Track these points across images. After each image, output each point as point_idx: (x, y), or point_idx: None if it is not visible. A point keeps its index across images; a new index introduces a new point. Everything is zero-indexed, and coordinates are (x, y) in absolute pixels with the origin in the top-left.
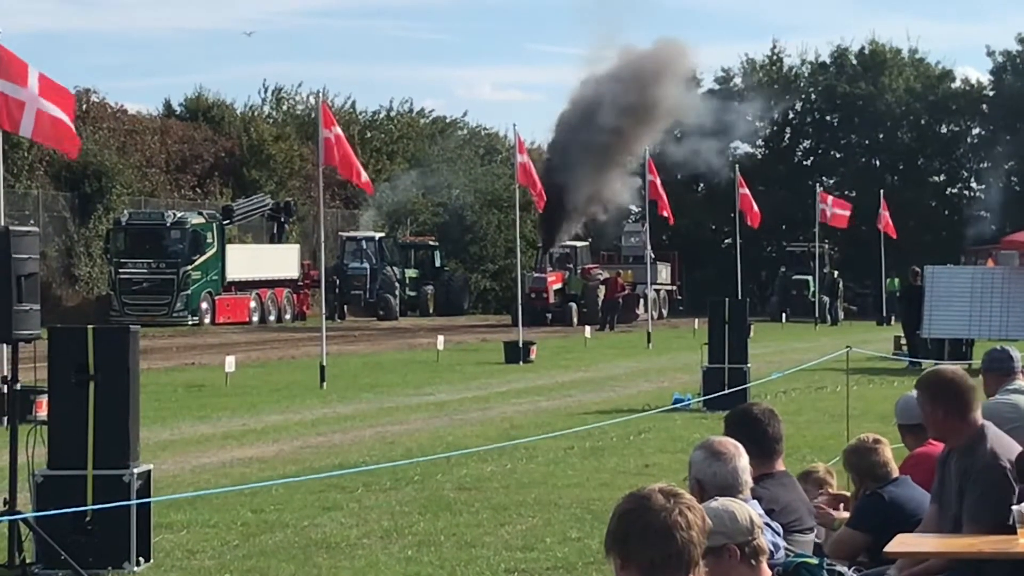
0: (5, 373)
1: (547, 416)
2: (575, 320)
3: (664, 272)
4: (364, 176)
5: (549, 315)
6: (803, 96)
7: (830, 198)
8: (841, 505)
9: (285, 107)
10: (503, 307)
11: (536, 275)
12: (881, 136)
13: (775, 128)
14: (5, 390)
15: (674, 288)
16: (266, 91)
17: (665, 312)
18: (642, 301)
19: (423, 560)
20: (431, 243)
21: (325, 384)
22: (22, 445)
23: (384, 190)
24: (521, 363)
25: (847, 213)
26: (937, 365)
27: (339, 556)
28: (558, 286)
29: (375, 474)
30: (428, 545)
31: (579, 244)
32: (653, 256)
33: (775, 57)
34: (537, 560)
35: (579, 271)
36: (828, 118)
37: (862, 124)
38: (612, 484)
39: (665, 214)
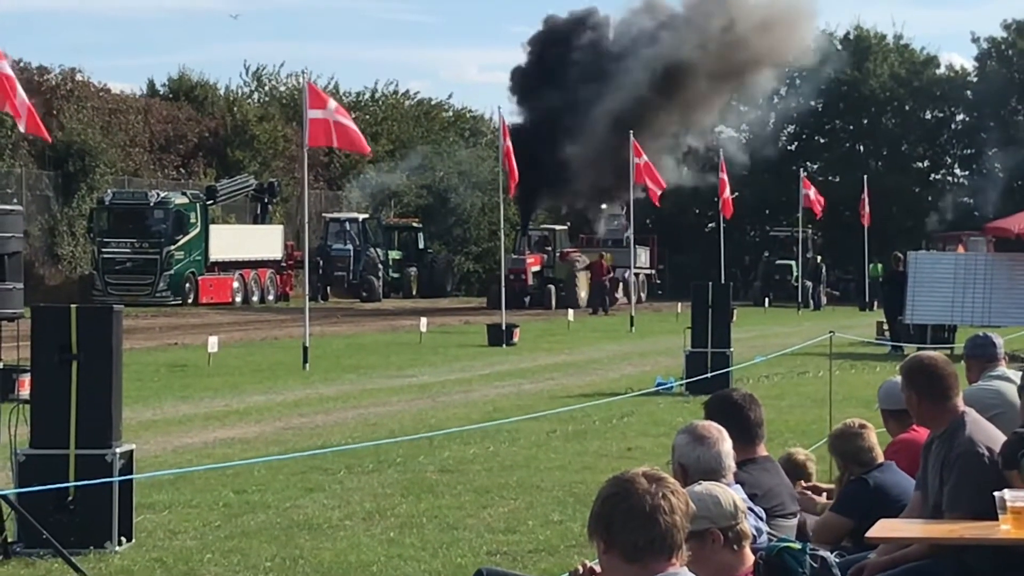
0: None
1: (530, 399)
2: (553, 303)
3: (643, 256)
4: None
5: (527, 298)
6: (788, 81)
7: (812, 187)
8: (824, 494)
9: (267, 87)
10: (485, 289)
11: (515, 257)
12: (865, 122)
13: (759, 112)
14: None
15: (653, 272)
16: (247, 72)
17: (644, 296)
18: (621, 285)
19: (405, 542)
20: (415, 225)
21: (308, 365)
22: (4, 424)
23: (368, 172)
24: (504, 346)
25: (820, 203)
26: (919, 351)
27: (321, 537)
28: (536, 268)
29: (358, 456)
30: (410, 527)
31: (557, 227)
32: (632, 239)
33: None
34: (519, 543)
35: (558, 254)
36: (813, 103)
37: (846, 109)
38: (595, 467)
39: (656, 194)
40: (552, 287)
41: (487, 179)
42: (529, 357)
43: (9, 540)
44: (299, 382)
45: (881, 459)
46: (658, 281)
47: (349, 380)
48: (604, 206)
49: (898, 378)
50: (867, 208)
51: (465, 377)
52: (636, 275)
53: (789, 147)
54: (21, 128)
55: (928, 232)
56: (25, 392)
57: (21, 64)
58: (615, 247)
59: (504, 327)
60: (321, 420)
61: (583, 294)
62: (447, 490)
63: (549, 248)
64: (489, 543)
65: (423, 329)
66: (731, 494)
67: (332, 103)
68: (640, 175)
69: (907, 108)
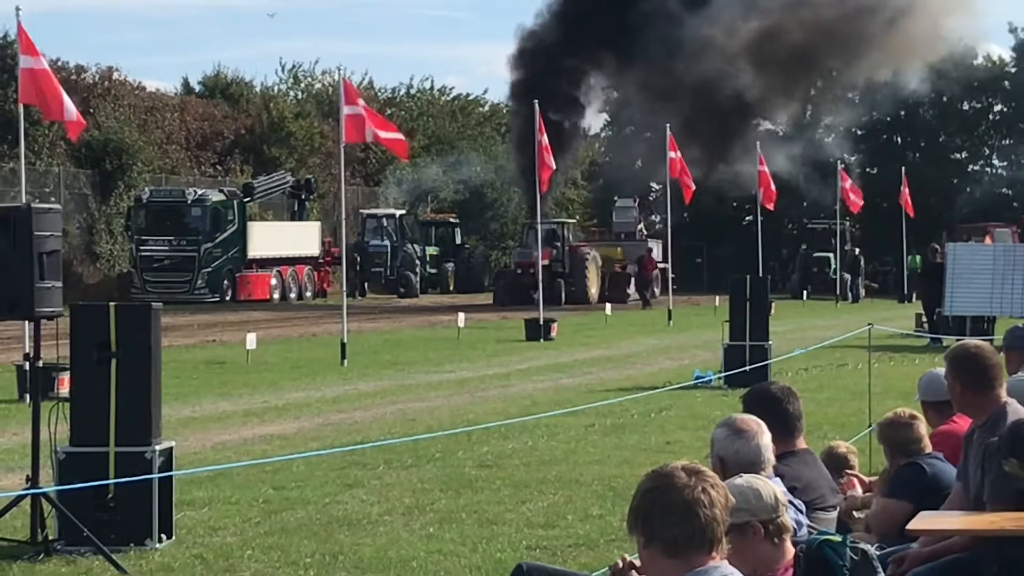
0: (27, 350)
1: (568, 393)
2: (563, 298)
3: (656, 250)
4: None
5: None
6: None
7: (849, 180)
8: (859, 487)
9: (303, 85)
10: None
11: (521, 250)
12: (903, 113)
13: (796, 104)
14: (27, 367)
15: (668, 266)
16: (283, 69)
17: (657, 291)
18: (633, 280)
19: (444, 537)
20: (451, 220)
21: (346, 361)
22: (44, 422)
23: (404, 167)
24: (542, 340)
25: (860, 202)
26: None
27: (360, 533)
28: (545, 263)
29: (396, 451)
30: (449, 522)
31: (567, 220)
32: (645, 233)
33: None
34: (559, 537)
35: (567, 249)
36: (850, 95)
37: (884, 100)
38: (633, 461)
39: (689, 191)
40: (561, 282)
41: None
42: (567, 352)
43: (50, 538)
44: (337, 378)
45: (929, 450)
46: (672, 275)
47: (387, 376)
48: (616, 198)
49: (938, 370)
50: (905, 198)
51: (503, 372)
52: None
53: (827, 139)
54: (49, 119)
55: (953, 223)
56: (65, 390)
57: (59, 63)
58: (628, 240)
59: (542, 322)
60: (359, 416)
61: (593, 289)
62: (486, 485)
63: (557, 243)
64: (528, 538)
65: (461, 324)
66: (772, 487)
67: (361, 104)
68: (674, 169)
69: (945, 99)
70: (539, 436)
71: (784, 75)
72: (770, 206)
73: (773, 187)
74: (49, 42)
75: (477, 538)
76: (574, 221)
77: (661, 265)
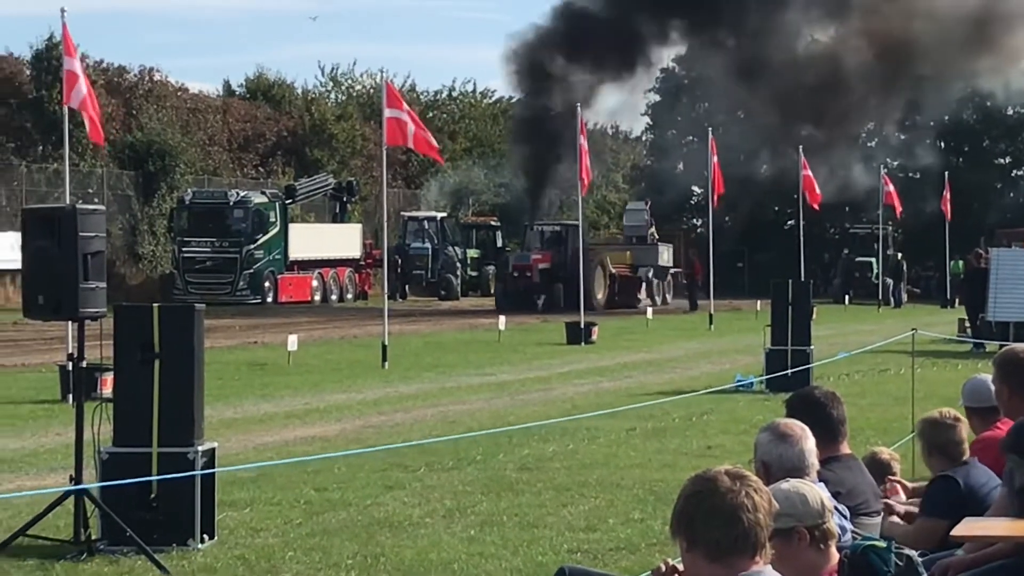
0: (71, 351)
1: (609, 397)
2: (562, 302)
3: (666, 254)
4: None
5: (541, 297)
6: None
7: (891, 184)
8: (902, 493)
9: (344, 86)
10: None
11: (521, 252)
12: (946, 118)
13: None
14: (71, 367)
15: (680, 271)
16: (322, 72)
17: (669, 297)
18: (644, 285)
19: (486, 540)
20: (493, 223)
21: (387, 364)
22: (88, 422)
23: (446, 170)
24: (583, 344)
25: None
26: (1003, 345)
27: (402, 535)
28: (545, 266)
29: (437, 454)
30: (491, 525)
31: (571, 223)
32: (656, 237)
33: None
34: (600, 541)
35: (570, 252)
36: (893, 99)
37: (927, 105)
38: (675, 465)
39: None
40: (561, 286)
41: (565, 177)
42: (608, 355)
43: (93, 537)
44: (378, 380)
45: (967, 455)
46: (684, 281)
47: (428, 378)
48: (628, 201)
49: (983, 375)
50: (948, 203)
51: (544, 375)
52: (664, 274)
53: (869, 143)
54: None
55: (993, 228)
56: (108, 391)
57: (103, 65)
58: (638, 244)
59: (583, 325)
60: (400, 418)
61: (600, 295)
62: (527, 488)
63: (561, 247)
64: (570, 541)
65: (501, 327)
66: (818, 492)
67: (405, 108)
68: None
69: (988, 104)
70: (580, 439)
71: (884, 73)
72: (816, 206)
73: (818, 190)
74: (91, 43)
75: (518, 541)
76: (577, 224)
77: (673, 270)
